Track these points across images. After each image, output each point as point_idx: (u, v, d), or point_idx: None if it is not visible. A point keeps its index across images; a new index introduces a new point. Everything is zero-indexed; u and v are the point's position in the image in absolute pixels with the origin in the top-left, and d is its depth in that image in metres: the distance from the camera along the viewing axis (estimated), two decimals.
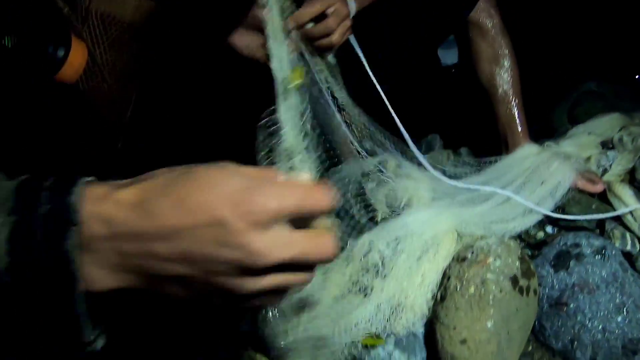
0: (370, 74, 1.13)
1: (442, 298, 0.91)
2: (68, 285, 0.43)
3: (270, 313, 0.99)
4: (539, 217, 1.14)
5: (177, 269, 0.44)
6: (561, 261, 1.06)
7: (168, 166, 0.50)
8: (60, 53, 1.16)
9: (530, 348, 1.04)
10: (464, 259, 0.93)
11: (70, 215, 0.42)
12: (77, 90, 1.28)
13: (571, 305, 1.01)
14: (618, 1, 1.96)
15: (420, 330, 0.94)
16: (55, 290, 0.43)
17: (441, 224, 0.99)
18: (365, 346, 0.87)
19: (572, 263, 1.05)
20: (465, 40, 1.40)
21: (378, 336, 0.88)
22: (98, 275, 0.44)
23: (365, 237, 0.97)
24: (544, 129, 1.49)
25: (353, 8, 1.12)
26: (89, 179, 0.47)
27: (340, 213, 1.03)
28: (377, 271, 0.92)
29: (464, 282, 0.90)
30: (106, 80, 1.34)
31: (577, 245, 1.07)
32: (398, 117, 1.16)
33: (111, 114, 1.40)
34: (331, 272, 0.96)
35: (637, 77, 2.31)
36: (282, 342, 0.95)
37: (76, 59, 1.19)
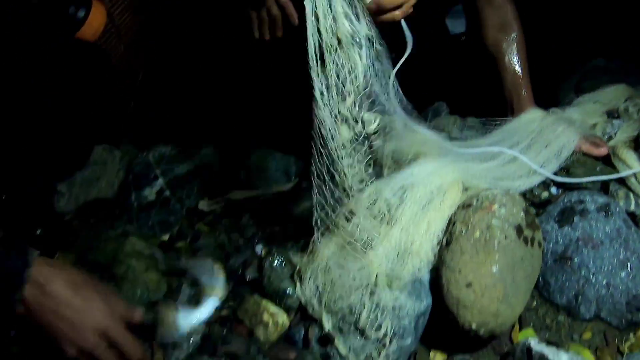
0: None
1: (448, 243, 0.92)
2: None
3: (276, 261, 1.00)
4: (543, 178, 1.15)
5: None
6: (565, 217, 1.07)
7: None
8: (81, 14, 1.19)
9: (534, 304, 1.05)
10: (469, 205, 0.95)
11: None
12: (97, 48, 1.30)
13: (575, 260, 1.02)
14: None
15: (426, 277, 0.96)
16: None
17: (447, 175, 1.00)
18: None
19: (576, 218, 1.06)
20: (473, 9, 1.41)
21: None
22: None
23: (372, 187, 0.98)
24: (550, 103, 1.49)
25: None
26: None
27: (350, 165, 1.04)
28: (382, 219, 0.94)
29: (469, 227, 0.91)
30: (123, 41, 1.37)
31: (581, 201, 1.08)
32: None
33: (125, 74, 1.43)
34: (338, 219, 0.97)
35: None
36: (288, 289, 0.97)
37: (95, 19, 1.22)
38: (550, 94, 1.72)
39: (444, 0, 1.42)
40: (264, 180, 1.34)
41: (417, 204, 0.96)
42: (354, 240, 0.94)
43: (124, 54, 1.41)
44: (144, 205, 1.25)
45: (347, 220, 0.94)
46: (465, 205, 0.95)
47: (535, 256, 0.98)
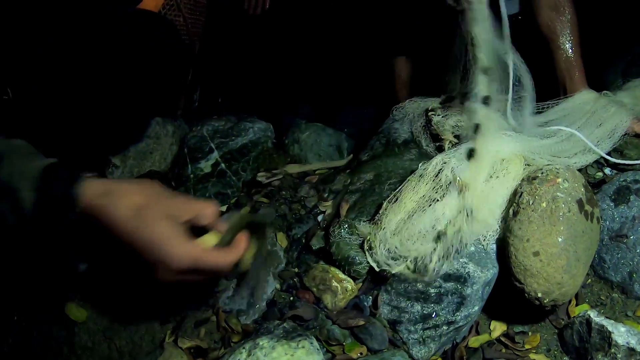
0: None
1: (515, 213, 0.98)
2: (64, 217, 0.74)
3: (343, 230, 1.06)
4: (597, 157, 1.21)
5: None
6: (621, 196, 1.13)
7: None
8: None
9: (589, 281, 1.11)
10: (535, 178, 1.00)
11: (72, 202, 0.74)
12: (161, 18, 1.34)
13: (631, 237, 1.08)
14: None
15: (492, 246, 1.02)
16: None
17: (509, 148, 1.06)
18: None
19: (632, 197, 1.12)
20: None
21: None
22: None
23: (438, 157, 1.04)
24: (597, 87, 1.54)
25: None
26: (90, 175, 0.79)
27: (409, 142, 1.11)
28: (448, 187, 1.00)
29: (537, 198, 0.97)
30: (182, 13, 1.41)
31: (636, 181, 1.14)
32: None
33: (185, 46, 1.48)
34: (405, 192, 1.03)
35: None
36: (356, 257, 1.03)
37: None
38: (597, 78, 1.77)
39: None
40: (317, 155, 1.40)
41: (482, 175, 1.01)
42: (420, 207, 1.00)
43: (183, 25, 1.45)
44: (200, 177, 1.31)
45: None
46: (531, 178, 1.01)
47: (595, 231, 1.04)
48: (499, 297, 1.04)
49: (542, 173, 1.01)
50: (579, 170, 1.20)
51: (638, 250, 1.07)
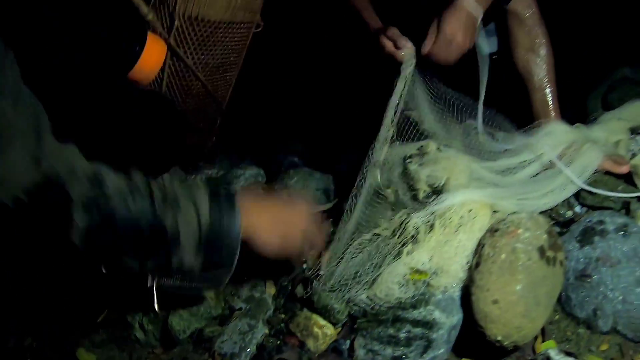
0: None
1: (477, 264, 1.09)
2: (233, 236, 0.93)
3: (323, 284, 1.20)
4: (567, 195, 1.30)
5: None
6: (586, 237, 1.23)
7: None
8: (135, 49, 1.29)
9: (556, 317, 1.22)
10: (496, 230, 1.11)
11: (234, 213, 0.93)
12: (156, 93, 1.44)
13: (594, 277, 1.18)
14: None
15: (457, 294, 1.13)
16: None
17: (477, 200, 1.17)
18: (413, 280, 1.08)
19: (596, 239, 1.21)
20: (505, 29, 1.56)
21: (421, 272, 1.08)
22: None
23: (404, 211, 1.16)
24: (578, 115, 1.64)
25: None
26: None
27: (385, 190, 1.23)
28: (414, 240, 1.11)
29: (497, 250, 1.08)
30: (199, 78, 1.51)
31: (601, 222, 1.23)
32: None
33: (203, 114, 1.59)
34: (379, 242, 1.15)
35: None
36: (335, 305, 1.15)
37: (151, 56, 1.31)
38: (578, 106, 1.86)
39: None
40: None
41: (449, 229, 1.13)
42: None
43: (201, 90, 1.55)
44: None
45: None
46: (493, 230, 1.12)
47: (557, 274, 1.14)
48: (468, 338, 1.15)
49: (503, 224, 1.12)
50: (550, 210, 1.31)
51: (601, 289, 1.17)
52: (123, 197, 0.81)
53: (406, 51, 1.33)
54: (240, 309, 1.25)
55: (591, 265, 1.19)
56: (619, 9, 2.11)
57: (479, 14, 1.36)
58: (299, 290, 1.22)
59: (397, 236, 1.13)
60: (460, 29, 1.32)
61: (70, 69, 1.30)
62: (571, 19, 2.01)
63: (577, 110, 1.82)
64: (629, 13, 2.09)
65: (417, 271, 1.09)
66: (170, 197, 0.86)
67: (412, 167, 1.30)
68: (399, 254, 1.11)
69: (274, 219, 1.00)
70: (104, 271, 1.15)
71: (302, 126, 1.98)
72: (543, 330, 1.18)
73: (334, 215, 1.37)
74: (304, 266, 1.24)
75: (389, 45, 1.36)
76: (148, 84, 1.36)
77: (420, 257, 1.10)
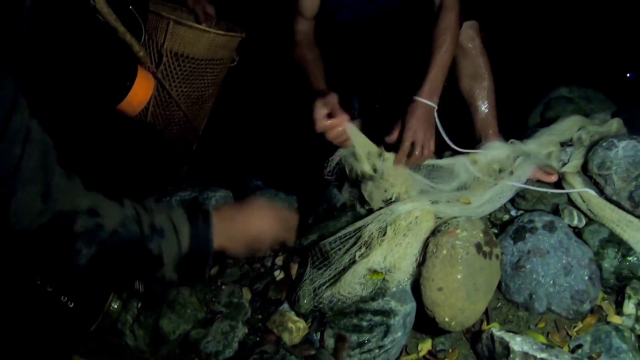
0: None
1: (424, 260, 1.29)
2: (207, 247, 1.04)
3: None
4: (502, 203, 1.51)
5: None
6: (519, 234, 1.43)
7: None
8: (126, 83, 1.48)
9: (499, 304, 1.41)
10: (439, 231, 1.31)
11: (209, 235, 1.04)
12: (143, 122, 1.63)
13: (527, 267, 1.37)
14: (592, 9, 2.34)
15: (408, 286, 1.32)
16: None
17: (422, 209, 1.37)
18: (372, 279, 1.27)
19: (527, 235, 1.42)
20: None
21: (378, 272, 1.28)
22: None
23: (360, 222, 1.36)
24: (520, 131, 1.86)
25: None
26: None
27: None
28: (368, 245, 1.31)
29: (438, 247, 1.27)
30: (181, 109, 1.70)
31: (531, 221, 1.44)
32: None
33: (182, 141, 1.76)
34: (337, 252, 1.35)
35: (628, 75, 2.67)
36: (307, 302, 1.33)
37: (141, 88, 1.49)
38: (520, 123, 2.09)
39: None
40: None
41: (399, 232, 1.32)
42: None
43: (182, 118, 1.73)
44: None
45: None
46: (436, 231, 1.32)
47: (494, 266, 1.34)
48: (424, 324, 1.34)
49: (445, 226, 1.32)
50: (490, 215, 1.52)
51: (534, 276, 1.36)
52: (117, 225, 0.93)
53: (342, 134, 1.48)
54: (221, 312, 1.41)
55: (524, 257, 1.39)
56: (560, 32, 2.36)
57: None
58: (272, 293, 1.40)
59: (355, 244, 1.32)
60: (426, 131, 1.50)
61: (68, 100, 1.46)
62: (515, 41, 2.24)
63: (519, 126, 2.04)
64: (567, 36, 2.33)
65: (374, 271, 1.28)
66: (156, 222, 0.98)
67: (368, 185, 1.50)
68: (356, 258, 1.29)
69: (244, 232, 1.10)
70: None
71: (267, 152, 2.19)
72: (487, 314, 1.37)
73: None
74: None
75: (320, 119, 1.47)
76: (136, 114, 1.52)
77: (375, 258, 1.28)
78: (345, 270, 1.30)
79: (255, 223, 1.12)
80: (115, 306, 1.47)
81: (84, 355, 1.39)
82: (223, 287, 1.49)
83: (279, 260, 1.51)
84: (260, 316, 1.41)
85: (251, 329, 1.39)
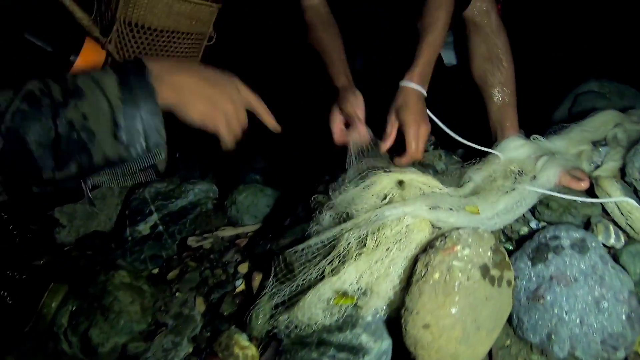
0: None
1: (408, 284, 0.99)
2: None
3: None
4: (520, 214, 1.20)
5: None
6: (539, 254, 1.12)
7: None
8: (69, 58, 1.31)
9: (508, 342, 1.11)
10: (432, 247, 1.01)
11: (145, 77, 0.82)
12: None
13: (548, 298, 1.07)
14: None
15: (384, 317, 1.03)
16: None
17: (416, 215, 1.07)
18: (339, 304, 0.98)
19: (550, 255, 1.11)
20: (462, 38, 1.47)
21: (347, 296, 0.98)
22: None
23: (337, 228, 1.06)
24: (543, 127, 1.54)
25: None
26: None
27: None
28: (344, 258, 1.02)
29: (429, 269, 0.98)
30: None
31: (556, 237, 1.13)
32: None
33: None
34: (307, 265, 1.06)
35: None
36: (261, 324, 1.06)
37: (87, 62, 1.32)
38: (544, 118, 1.77)
39: None
40: (253, 217, 1.43)
41: (382, 245, 1.03)
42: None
43: None
44: (137, 239, 1.37)
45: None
46: (428, 247, 1.02)
47: (504, 295, 1.04)
48: None
49: (440, 241, 1.02)
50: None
51: (555, 311, 1.06)
52: (14, 106, 0.73)
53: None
54: (166, 325, 1.17)
55: (544, 285, 1.09)
56: (588, 23, 2.04)
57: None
58: (226, 307, 1.13)
59: (327, 255, 1.03)
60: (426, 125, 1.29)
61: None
62: (540, 31, 1.94)
63: (543, 122, 1.73)
64: (597, 27, 2.02)
65: (343, 294, 0.99)
66: (70, 85, 0.77)
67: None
68: (326, 273, 1.00)
69: (197, 79, 0.89)
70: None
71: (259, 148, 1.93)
72: (491, 356, 1.07)
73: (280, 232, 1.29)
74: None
75: (339, 133, 1.29)
76: None
77: (348, 277, 1.00)
78: (310, 288, 1.01)
79: (201, 67, 0.92)
80: (53, 305, 1.27)
81: (17, 358, 1.18)
82: (177, 294, 1.24)
83: (242, 268, 1.23)
84: (208, 334, 1.16)
85: (195, 349, 1.14)
